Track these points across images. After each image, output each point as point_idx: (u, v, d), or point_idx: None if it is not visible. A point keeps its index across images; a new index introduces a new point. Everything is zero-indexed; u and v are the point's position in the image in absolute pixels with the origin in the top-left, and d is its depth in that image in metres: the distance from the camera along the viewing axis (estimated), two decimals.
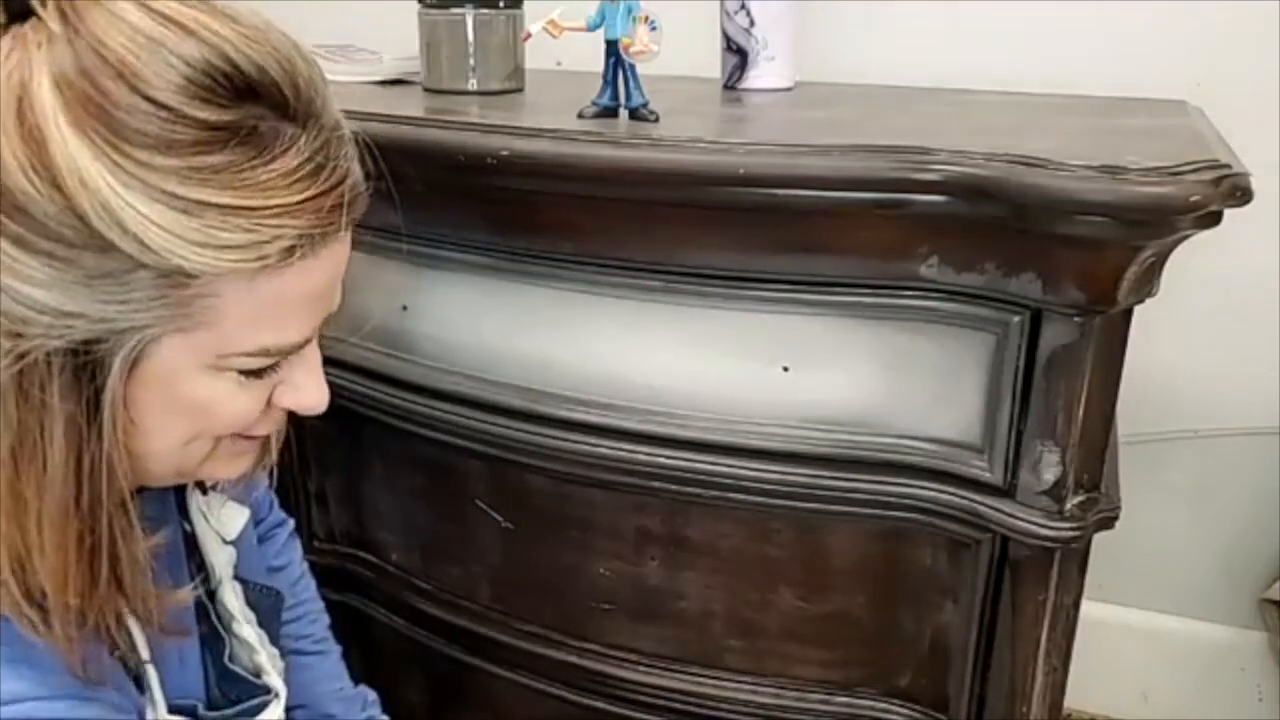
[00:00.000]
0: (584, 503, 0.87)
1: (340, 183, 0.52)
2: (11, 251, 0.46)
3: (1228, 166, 0.60)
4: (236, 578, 0.68)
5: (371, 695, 0.87)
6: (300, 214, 0.50)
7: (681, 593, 0.86)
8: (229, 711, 0.64)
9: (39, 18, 0.46)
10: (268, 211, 0.49)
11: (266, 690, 0.67)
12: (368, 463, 1.00)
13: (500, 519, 0.92)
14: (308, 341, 0.56)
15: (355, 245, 0.89)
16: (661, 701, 0.90)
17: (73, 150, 0.45)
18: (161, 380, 0.51)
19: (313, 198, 0.50)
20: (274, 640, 0.71)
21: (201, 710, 0.63)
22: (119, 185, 0.45)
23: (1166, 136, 0.74)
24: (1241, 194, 0.59)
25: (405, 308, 0.89)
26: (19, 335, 0.47)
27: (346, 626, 1.00)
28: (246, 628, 0.67)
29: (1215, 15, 1.07)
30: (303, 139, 0.50)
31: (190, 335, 0.50)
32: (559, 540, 0.89)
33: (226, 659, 0.66)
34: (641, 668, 0.90)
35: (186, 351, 0.51)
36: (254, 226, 0.48)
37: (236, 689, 0.66)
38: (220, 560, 0.67)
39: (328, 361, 0.99)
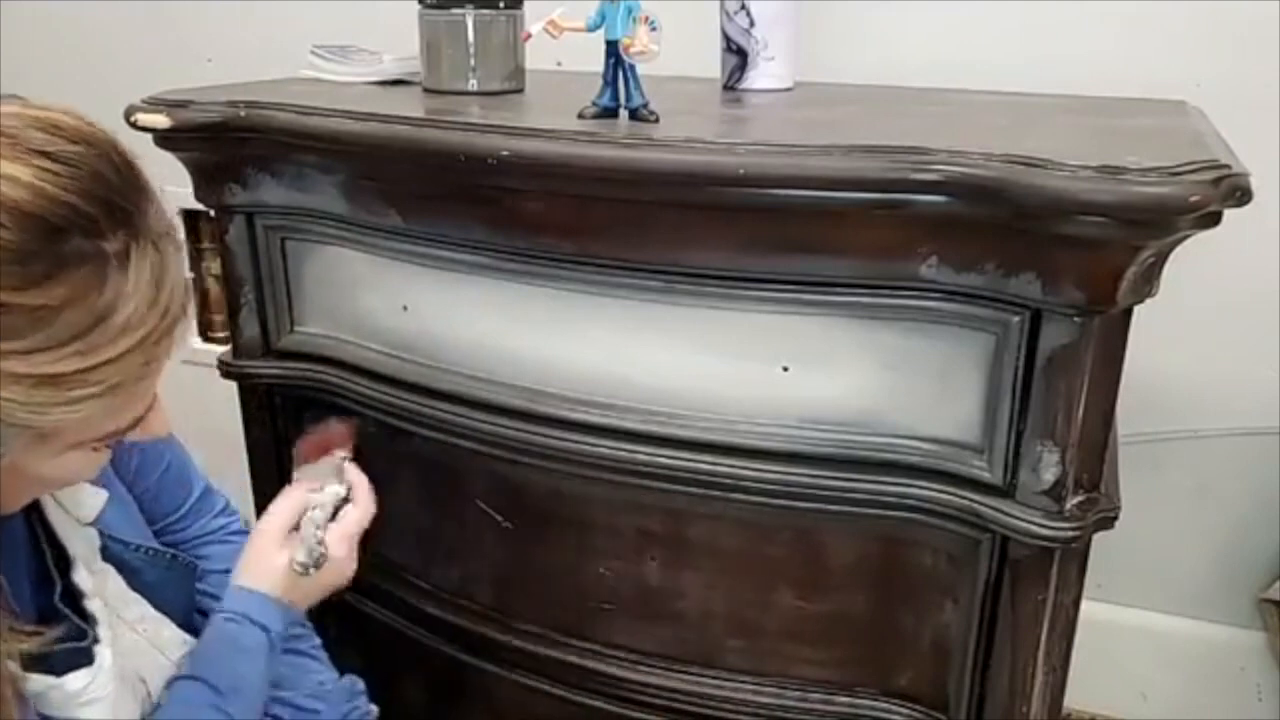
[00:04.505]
0: (584, 502, 0.87)
1: (173, 292, 0.56)
2: None
3: (1227, 167, 0.60)
4: (109, 551, 0.72)
5: (360, 685, 0.87)
6: (144, 346, 0.55)
7: (681, 592, 0.86)
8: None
9: None
10: (116, 361, 0.53)
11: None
12: (368, 462, 1.00)
13: (500, 519, 0.92)
14: (150, 409, 0.61)
15: (356, 245, 0.89)
16: (662, 701, 0.90)
17: None
18: (14, 470, 0.56)
19: (154, 327, 0.55)
20: (178, 607, 0.76)
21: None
22: None
23: (1167, 137, 0.74)
24: (1241, 194, 0.60)
25: (405, 308, 0.89)
26: None
27: (346, 625, 1.00)
28: (95, 601, 0.70)
29: (1215, 15, 1.07)
30: (131, 269, 0.54)
31: (45, 441, 0.56)
32: (559, 540, 0.89)
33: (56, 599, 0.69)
34: (642, 667, 0.90)
35: (40, 450, 0.56)
36: (104, 375, 0.53)
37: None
38: (76, 542, 0.70)
39: (329, 361, 0.98)
